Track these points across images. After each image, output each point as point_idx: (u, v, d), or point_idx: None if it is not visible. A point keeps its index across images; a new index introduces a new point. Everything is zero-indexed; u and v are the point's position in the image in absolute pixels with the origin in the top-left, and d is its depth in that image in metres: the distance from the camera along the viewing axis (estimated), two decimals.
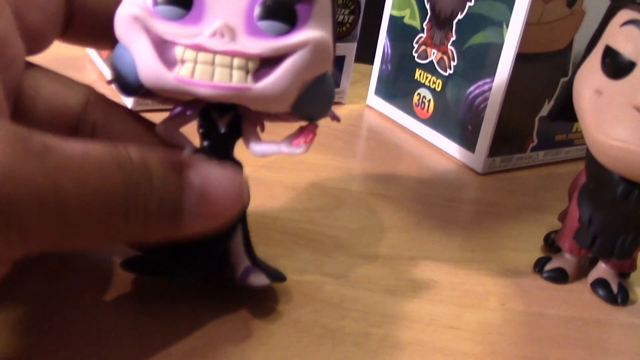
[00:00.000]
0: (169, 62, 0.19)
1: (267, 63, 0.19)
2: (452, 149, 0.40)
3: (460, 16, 0.38)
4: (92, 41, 0.25)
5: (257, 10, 0.18)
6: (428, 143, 0.42)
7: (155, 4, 0.19)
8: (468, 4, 0.37)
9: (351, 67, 0.46)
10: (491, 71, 0.36)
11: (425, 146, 0.41)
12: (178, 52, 0.19)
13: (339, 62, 0.45)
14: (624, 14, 0.23)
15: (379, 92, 0.46)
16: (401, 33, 0.43)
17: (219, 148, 0.21)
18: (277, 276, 0.23)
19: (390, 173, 0.37)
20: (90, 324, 0.21)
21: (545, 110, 0.38)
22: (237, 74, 0.19)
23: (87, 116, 0.22)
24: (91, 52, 0.47)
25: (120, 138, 0.22)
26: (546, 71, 0.37)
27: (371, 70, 0.46)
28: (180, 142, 0.22)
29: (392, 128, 0.44)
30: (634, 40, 0.22)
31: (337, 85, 0.46)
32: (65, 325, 0.20)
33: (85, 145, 0.16)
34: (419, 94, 0.42)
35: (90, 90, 0.23)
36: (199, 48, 0.18)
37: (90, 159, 0.16)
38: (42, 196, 0.15)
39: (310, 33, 0.19)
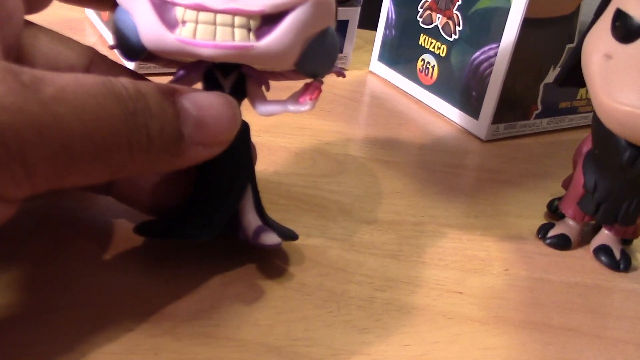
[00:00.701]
0: (170, 24, 0.18)
1: (269, 20, 0.18)
2: (455, 115, 0.40)
3: None
4: (92, 1, 0.25)
5: None
6: (432, 110, 0.41)
7: None
8: None
9: (354, 32, 0.45)
10: (497, 36, 0.36)
11: (429, 113, 0.41)
12: (179, 12, 0.18)
13: (342, 27, 0.44)
14: None
15: (382, 58, 0.45)
16: None
17: None
18: (289, 234, 0.24)
19: (393, 139, 0.37)
20: (95, 284, 0.21)
21: (551, 77, 0.38)
22: (239, 33, 0.18)
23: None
24: (91, 15, 0.46)
25: None
26: (552, 37, 0.37)
27: (374, 36, 0.46)
28: None
29: (395, 94, 0.43)
30: None
31: (340, 50, 0.45)
32: (70, 286, 0.20)
33: (77, 77, 0.16)
34: (423, 59, 0.41)
35: (93, 52, 0.22)
36: (199, 8, 0.18)
37: (85, 88, 0.16)
38: (42, 126, 0.14)
39: None
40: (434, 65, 0.41)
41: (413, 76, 0.42)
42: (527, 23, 0.35)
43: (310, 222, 0.27)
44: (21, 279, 0.20)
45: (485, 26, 0.37)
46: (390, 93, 0.44)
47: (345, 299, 0.22)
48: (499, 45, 0.36)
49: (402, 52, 0.43)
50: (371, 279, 0.24)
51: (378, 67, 0.46)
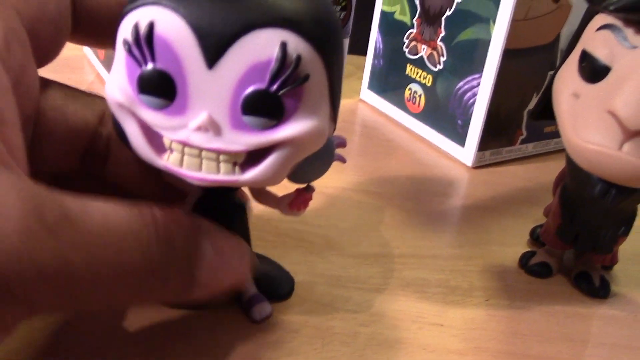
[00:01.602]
0: (159, 148, 0.19)
1: (255, 154, 0.18)
2: (443, 143, 0.41)
3: (448, 12, 0.38)
4: (95, 42, 0.25)
5: (240, 104, 0.17)
6: (420, 137, 0.42)
7: (139, 92, 0.18)
8: (456, 0, 0.38)
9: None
10: (479, 67, 0.37)
11: (418, 141, 0.42)
12: (166, 140, 0.18)
13: None
14: (600, 19, 0.24)
15: (372, 86, 0.46)
16: (392, 28, 0.43)
17: (224, 191, 0.22)
18: (283, 292, 0.25)
19: (382, 169, 0.38)
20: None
21: (534, 103, 0.39)
22: (224, 167, 0.18)
23: (102, 130, 0.22)
24: (89, 53, 0.47)
25: (130, 157, 0.23)
26: (534, 65, 0.38)
27: (365, 62, 0.47)
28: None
29: (385, 123, 0.45)
30: (608, 45, 0.23)
31: None
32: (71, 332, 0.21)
33: (106, 212, 0.16)
34: (410, 88, 0.43)
35: (105, 104, 0.23)
36: (183, 143, 0.18)
37: (110, 231, 0.15)
38: (52, 274, 0.14)
39: (298, 127, 0.17)
40: (420, 94, 0.42)
41: (402, 105, 0.44)
42: (508, 54, 0.36)
43: (298, 258, 0.28)
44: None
45: (468, 57, 0.38)
46: (381, 121, 0.45)
47: (330, 335, 0.23)
48: (481, 76, 0.37)
49: (390, 81, 0.44)
50: (356, 314, 0.25)
51: (368, 96, 0.47)
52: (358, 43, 0.49)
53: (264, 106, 0.17)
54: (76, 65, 0.46)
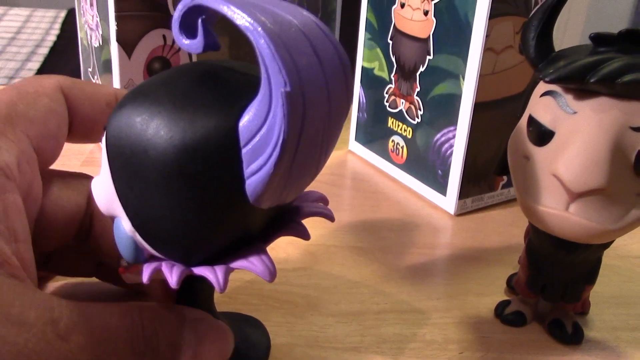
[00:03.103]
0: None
1: None
2: (427, 192, 0.42)
3: (422, 69, 0.40)
4: (89, 141, 0.28)
5: None
6: (406, 187, 0.44)
7: None
8: (428, 57, 0.40)
9: None
10: (454, 119, 0.39)
11: (404, 190, 0.44)
12: None
13: None
14: (543, 85, 0.25)
15: (358, 138, 0.48)
16: (373, 83, 0.45)
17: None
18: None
19: (367, 223, 0.39)
20: None
21: None
22: None
23: (88, 209, 0.25)
24: None
25: (109, 230, 0.25)
26: (506, 115, 0.39)
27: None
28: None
29: (373, 173, 0.46)
30: (551, 110, 0.24)
31: None
32: None
33: (104, 317, 0.19)
34: (393, 140, 0.44)
35: (89, 182, 0.25)
36: None
37: (109, 332, 0.19)
38: None
39: None
40: (403, 145, 0.43)
41: (386, 155, 0.45)
42: (479, 107, 0.37)
43: (279, 320, 0.29)
44: None
45: (442, 111, 0.39)
46: (368, 172, 0.46)
47: None
48: (456, 128, 0.38)
49: (375, 133, 0.46)
50: None
51: (356, 147, 0.49)
52: None
53: None
54: None
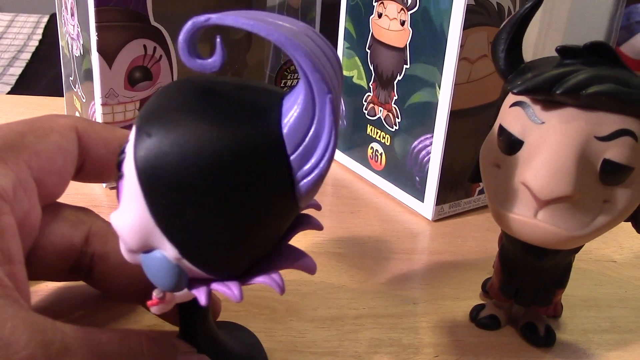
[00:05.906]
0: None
1: None
2: (405, 198, 0.43)
3: (399, 77, 0.41)
4: (96, 180, 0.28)
5: None
6: (385, 193, 0.45)
7: None
8: (405, 66, 0.40)
9: None
10: (430, 127, 0.39)
11: (383, 196, 0.44)
12: None
13: None
14: (512, 96, 0.26)
15: (338, 145, 0.49)
16: (352, 91, 0.46)
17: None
18: None
19: (346, 229, 0.40)
20: None
21: None
22: None
23: (87, 248, 0.25)
24: None
25: (114, 271, 0.26)
26: (482, 122, 0.40)
27: None
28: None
29: (352, 179, 0.47)
30: (520, 120, 0.25)
31: None
32: None
33: (101, 343, 0.19)
34: (372, 147, 0.45)
35: (92, 220, 0.26)
36: None
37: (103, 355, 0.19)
38: None
39: None
40: (381, 152, 0.44)
41: (366, 162, 0.46)
42: (455, 114, 0.38)
43: (259, 326, 0.30)
44: None
45: (419, 118, 0.40)
46: (349, 178, 0.47)
47: None
48: (433, 135, 0.39)
49: (354, 141, 0.47)
50: None
51: (337, 154, 0.49)
52: None
53: None
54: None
